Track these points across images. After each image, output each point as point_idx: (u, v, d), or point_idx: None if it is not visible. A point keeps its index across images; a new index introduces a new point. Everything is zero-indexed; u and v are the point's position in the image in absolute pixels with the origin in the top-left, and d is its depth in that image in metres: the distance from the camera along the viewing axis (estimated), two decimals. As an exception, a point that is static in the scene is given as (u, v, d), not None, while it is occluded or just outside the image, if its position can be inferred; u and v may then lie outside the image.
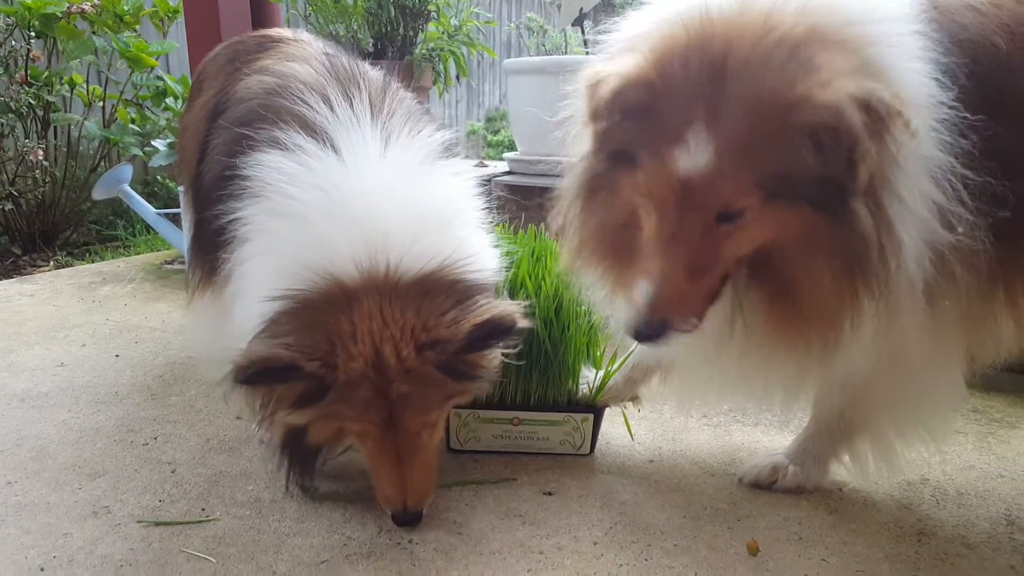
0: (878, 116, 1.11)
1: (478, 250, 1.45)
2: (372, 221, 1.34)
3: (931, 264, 1.25)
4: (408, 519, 1.45)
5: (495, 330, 1.31)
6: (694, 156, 1.18)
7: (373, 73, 1.69)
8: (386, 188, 1.40)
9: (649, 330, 1.27)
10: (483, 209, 1.57)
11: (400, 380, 1.31)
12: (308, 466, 1.52)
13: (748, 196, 1.19)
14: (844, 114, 1.10)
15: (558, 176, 1.52)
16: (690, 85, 1.19)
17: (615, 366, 1.79)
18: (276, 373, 1.28)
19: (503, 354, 1.43)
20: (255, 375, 1.26)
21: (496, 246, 1.54)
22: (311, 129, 1.46)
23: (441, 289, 1.34)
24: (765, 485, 1.65)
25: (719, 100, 1.17)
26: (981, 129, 1.24)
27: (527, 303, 1.46)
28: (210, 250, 1.61)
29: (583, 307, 1.71)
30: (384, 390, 1.32)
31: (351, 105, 1.49)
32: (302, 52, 1.77)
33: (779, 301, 1.29)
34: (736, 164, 1.17)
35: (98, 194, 3.50)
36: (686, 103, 1.19)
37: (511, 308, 1.34)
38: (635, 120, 1.24)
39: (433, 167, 1.49)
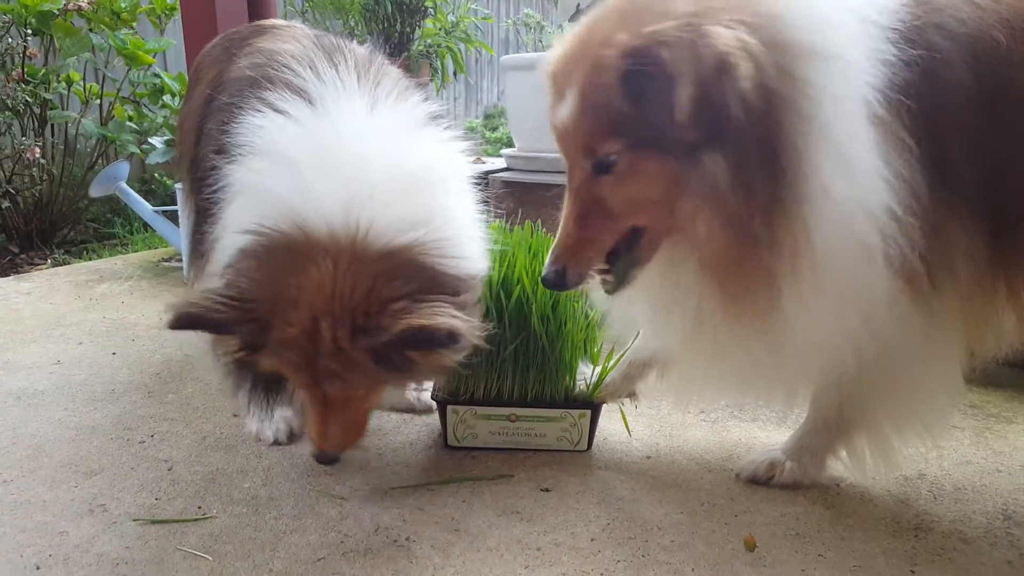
0: (699, 57, 1.13)
1: (462, 232, 1.41)
2: (356, 174, 1.31)
3: (903, 235, 1.23)
4: (324, 460, 1.47)
5: (429, 339, 1.26)
6: (563, 107, 1.30)
7: (359, 48, 1.70)
8: (373, 144, 1.38)
9: (550, 276, 1.38)
10: (470, 179, 1.55)
11: (328, 358, 1.29)
12: (272, 389, 1.53)
13: (606, 143, 1.27)
14: (649, 55, 1.16)
15: (555, 172, 1.55)
16: (578, 46, 1.29)
17: (612, 362, 1.79)
18: (209, 328, 1.30)
19: (452, 358, 1.36)
20: (187, 325, 1.27)
21: (482, 218, 1.52)
22: (298, 92, 1.46)
23: (405, 272, 1.29)
24: (762, 481, 1.65)
25: (585, 53, 1.26)
26: (980, 121, 1.25)
27: (516, 303, 1.45)
28: (208, 238, 1.61)
29: (580, 303, 1.71)
30: (312, 361, 1.30)
31: (337, 71, 1.49)
32: (292, 34, 1.78)
33: (703, 270, 1.33)
34: (584, 110, 1.27)
35: (95, 192, 3.50)
36: (572, 63, 1.29)
37: (457, 322, 1.26)
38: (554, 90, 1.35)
39: (420, 131, 1.48)
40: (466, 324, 1.28)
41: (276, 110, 1.43)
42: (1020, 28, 1.26)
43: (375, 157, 1.35)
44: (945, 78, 1.24)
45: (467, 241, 1.42)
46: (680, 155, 1.22)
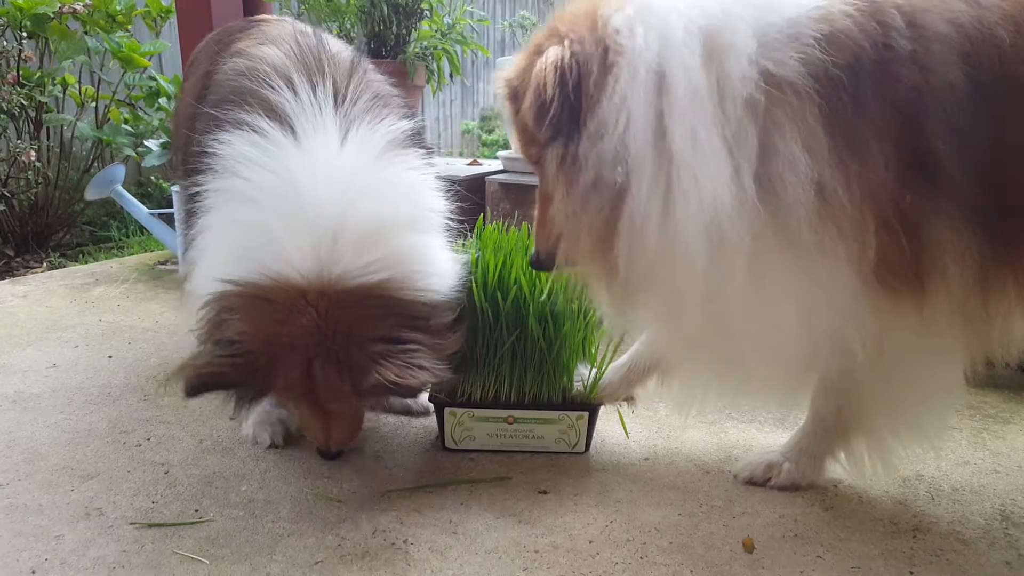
0: (530, 79, 1.38)
1: (431, 259, 1.49)
2: (323, 219, 1.38)
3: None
4: (329, 457, 1.68)
5: (401, 389, 1.39)
6: None
7: (342, 55, 1.70)
8: (341, 183, 1.42)
9: (531, 258, 1.59)
10: (443, 206, 1.59)
11: (324, 391, 1.42)
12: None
13: (529, 147, 1.48)
14: (509, 83, 1.48)
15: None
16: None
17: (607, 363, 1.78)
18: (222, 388, 1.43)
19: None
20: (204, 390, 1.39)
21: (454, 250, 1.59)
22: (274, 112, 1.49)
23: (379, 310, 1.40)
24: (760, 482, 1.65)
25: None
26: (977, 120, 1.25)
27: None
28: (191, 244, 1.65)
29: (579, 303, 1.71)
30: (312, 393, 1.43)
31: (314, 90, 1.52)
32: (276, 32, 1.79)
33: None
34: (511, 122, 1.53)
35: (91, 195, 3.49)
36: None
37: (426, 375, 1.38)
38: None
39: (392, 161, 1.51)
40: (435, 370, 1.39)
41: (251, 132, 1.47)
42: None
43: (345, 203, 1.40)
44: (912, 79, 1.24)
45: (437, 269, 1.50)
46: (545, 150, 1.43)
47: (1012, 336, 1.40)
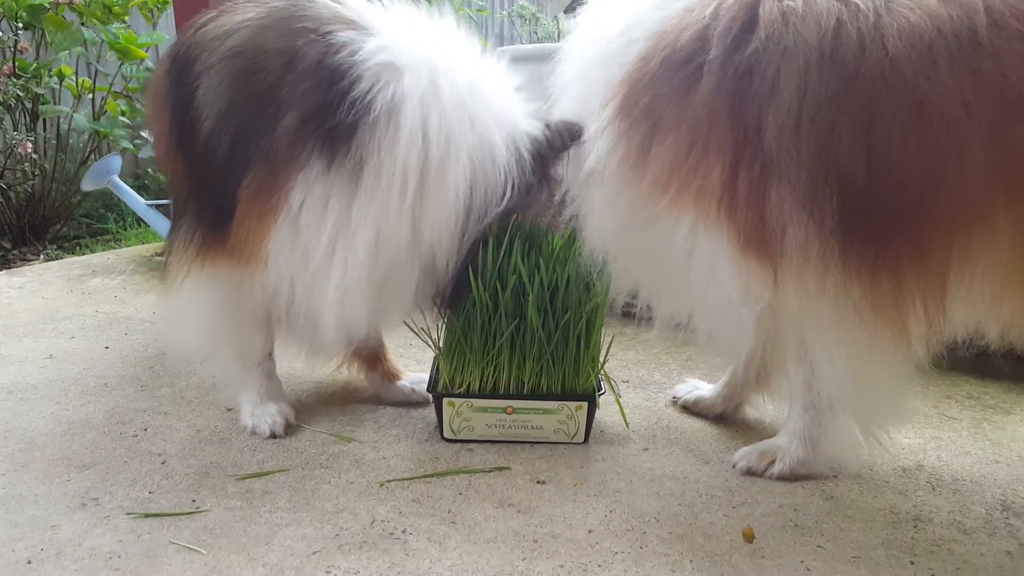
0: None
1: None
2: None
3: None
4: None
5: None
6: None
7: None
8: None
9: None
10: None
11: None
12: None
13: None
14: None
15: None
16: None
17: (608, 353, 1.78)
18: None
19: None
20: None
21: None
22: None
23: None
24: (759, 472, 1.64)
25: None
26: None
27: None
28: None
29: (580, 293, 1.69)
30: None
31: None
32: None
33: None
34: None
35: (87, 185, 3.47)
36: None
37: None
38: None
39: None
40: None
41: None
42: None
43: None
44: (747, 81, 1.35)
45: None
46: None
47: (948, 319, 1.43)
